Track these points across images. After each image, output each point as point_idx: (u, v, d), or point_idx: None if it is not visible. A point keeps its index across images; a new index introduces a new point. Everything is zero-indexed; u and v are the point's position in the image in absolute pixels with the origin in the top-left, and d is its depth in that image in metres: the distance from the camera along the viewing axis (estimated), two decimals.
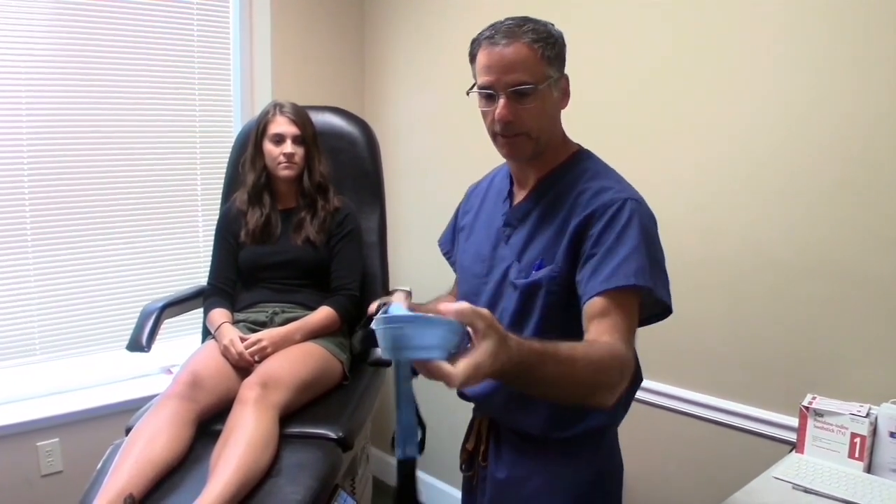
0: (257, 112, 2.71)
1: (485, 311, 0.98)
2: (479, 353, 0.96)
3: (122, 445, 1.85)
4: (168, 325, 2.42)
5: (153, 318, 2.24)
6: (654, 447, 2.37)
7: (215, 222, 2.52)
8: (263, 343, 2.14)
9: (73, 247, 2.78)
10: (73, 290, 2.80)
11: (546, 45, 1.33)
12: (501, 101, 1.33)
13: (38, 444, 2.64)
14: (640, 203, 1.34)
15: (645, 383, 2.33)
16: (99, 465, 1.89)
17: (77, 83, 2.70)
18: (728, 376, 2.17)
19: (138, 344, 2.18)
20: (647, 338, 2.32)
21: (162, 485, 1.75)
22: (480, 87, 1.36)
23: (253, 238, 2.36)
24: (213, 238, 2.50)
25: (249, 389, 1.92)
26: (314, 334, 2.24)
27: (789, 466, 1.75)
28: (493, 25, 1.36)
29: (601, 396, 1.20)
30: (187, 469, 1.78)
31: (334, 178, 2.46)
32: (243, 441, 1.77)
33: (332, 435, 1.94)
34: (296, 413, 2.00)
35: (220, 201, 2.65)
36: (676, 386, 2.29)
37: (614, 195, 1.33)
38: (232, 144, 2.71)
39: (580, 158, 1.45)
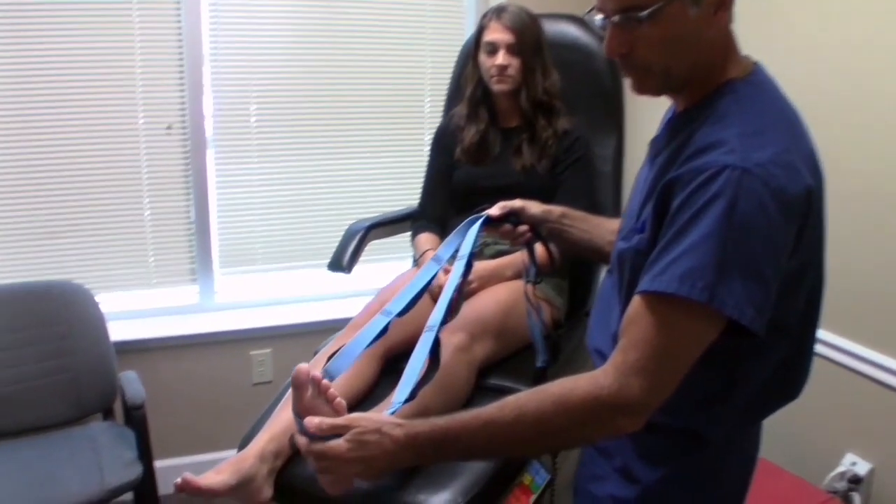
0: None
1: (350, 420, 1.09)
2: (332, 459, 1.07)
3: None
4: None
5: (357, 238, 2.10)
6: None
7: None
8: (469, 277, 1.91)
9: (298, 158, 2.75)
10: (296, 201, 2.77)
11: None
12: (608, 30, 1.04)
13: (252, 353, 2.66)
14: (747, 174, 0.94)
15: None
16: (287, 383, 1.79)
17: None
18: None
19: (339, 264, 2.04)
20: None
21: None
22: (592, 10, 1.09)
23: (468, 156, 2.12)
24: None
25: (453, 334, 1.68)
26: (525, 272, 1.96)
27: None
28: None
29: (560, 443, 1.17)
30: (365, 409, 1.60)
31: (566, 95, 2.13)
32: (434, 381, 1.56)
33: None
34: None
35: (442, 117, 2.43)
36: None
37: (716, 157, 0.96)
38: None
39: (724, 92, 1.05)
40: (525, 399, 1.04)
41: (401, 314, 1.48)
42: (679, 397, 1.01)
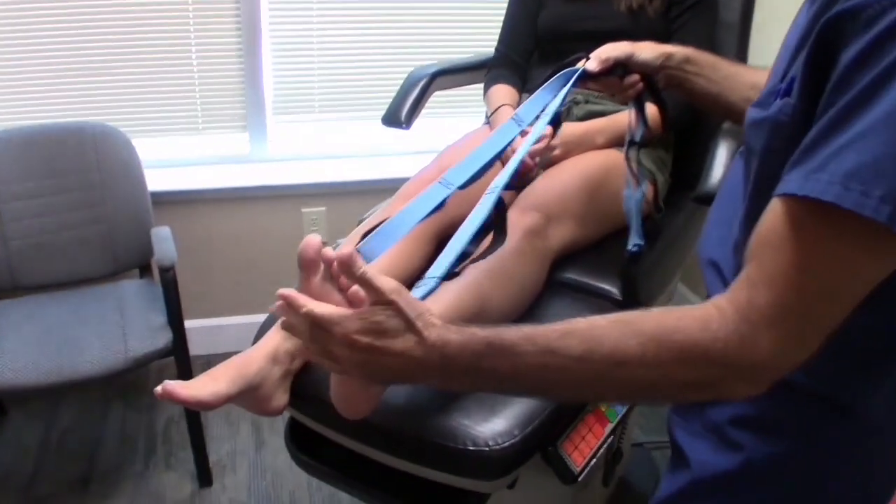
0: None
1: (396, 293, 0.79)
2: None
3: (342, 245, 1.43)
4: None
5: (419, 87, 1.75)
6: None
7: None
8: (552, 142, 1.55)
9: None
10: (361, 42, 2.42)
11: None
12: None
13: (304, 210, 2.41)
14: None
15: None
16: None
17: None
18: None
19: (395, 117, 1.71)
20: None
21: None
22: None
23: None
24: None
25: (524, 214, 1.35)
26: (624, 140, 1.59)
27: None
28: None
29: (641, 399, 0.92)
30: None
31: None
32: (495, 272, 1.25)
33: (616, 294, 1.36)
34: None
35: None
36: None
37: None
38: None
39: None
40: (602, 330, 0.72)
41: (463, 186, 1.15)
42: (826, 352, 0.67)
